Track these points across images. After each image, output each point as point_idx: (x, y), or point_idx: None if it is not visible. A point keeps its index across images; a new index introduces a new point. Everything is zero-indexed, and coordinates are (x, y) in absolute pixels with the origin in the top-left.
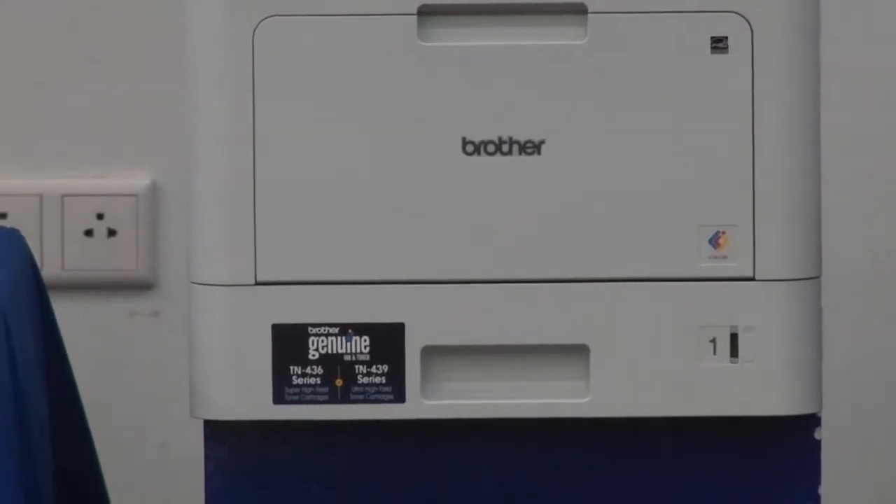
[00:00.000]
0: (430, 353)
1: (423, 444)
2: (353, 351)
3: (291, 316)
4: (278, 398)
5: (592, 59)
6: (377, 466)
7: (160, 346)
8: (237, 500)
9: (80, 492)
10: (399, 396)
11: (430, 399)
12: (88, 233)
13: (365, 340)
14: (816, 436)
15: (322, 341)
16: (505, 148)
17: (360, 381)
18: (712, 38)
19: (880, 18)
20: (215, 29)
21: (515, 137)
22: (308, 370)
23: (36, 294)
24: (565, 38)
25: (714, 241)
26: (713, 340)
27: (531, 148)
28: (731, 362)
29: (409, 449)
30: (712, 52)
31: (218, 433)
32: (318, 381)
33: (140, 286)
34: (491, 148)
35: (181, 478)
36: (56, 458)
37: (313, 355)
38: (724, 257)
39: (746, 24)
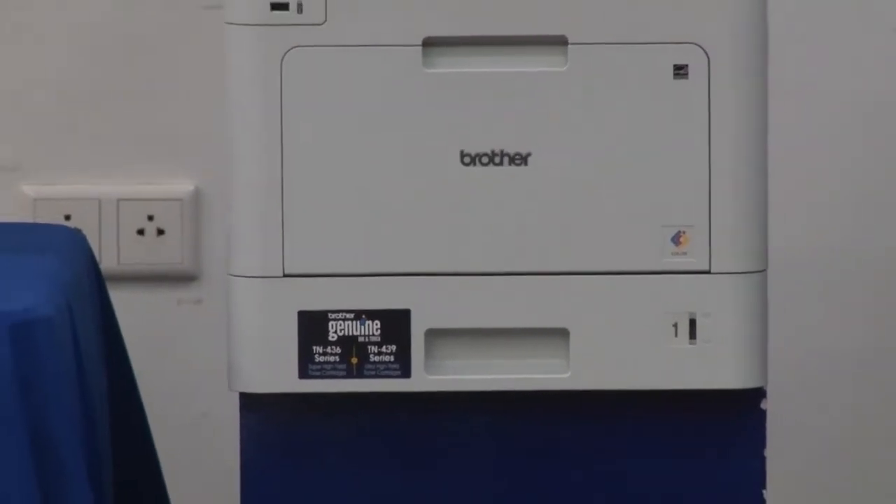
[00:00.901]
0: (432, 335)
1: (426, 414)
2: (367, 333)
3: (314, 303)
4: (303, 374)
5: (572, 84)
6: (386, 432)
7: (202, 330)
8: (267, 460)
9: (135, 468)
10: (406, 372)
11: (432, 375)
12: (140, 232)
13: (376, 324)
14: (762, 406)
15: (340, 325)
16: (497, 160)
17: (372, 360)
18: (675, 65)
19: (820, 44)
20: (250, 57)
21: (506, 150)
22: (328, 350)
23: (96, 285)
24: (548, 66)
25: (676, 239)
26: (675, 325)
27: (519, 160)
28: (690, 344)
29: (414, 418)
30: (675, 78)
31: (251, 404)
32: (337, 360)
33: (185, 278)
34: (485, 159)
35: (220, 442)
36: (113, 433)
37: (332, 337)
38: (685, 253)
39: (704, 53)
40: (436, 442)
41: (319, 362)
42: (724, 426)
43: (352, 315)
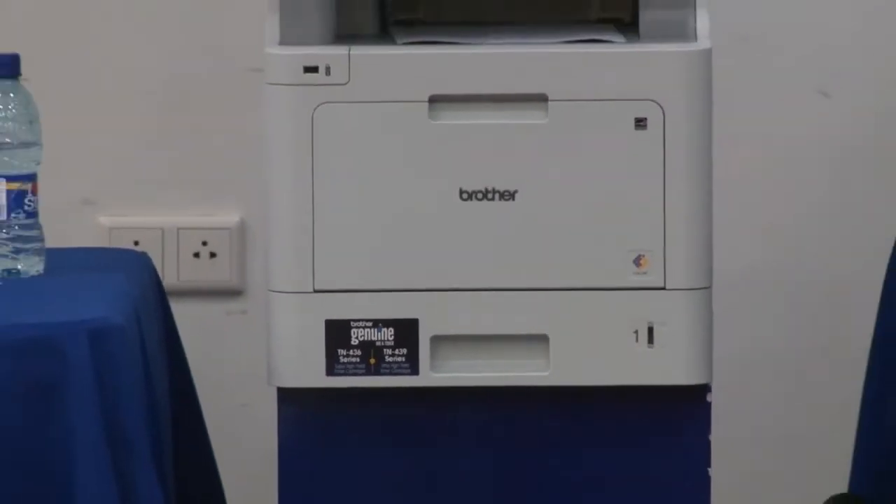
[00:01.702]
0: (437, 340)
1: (431, 405)
2: (382, 339)
3: (339, 314)
4: (330, 371)
5: (551, 133)
6: (398, 420)
7: (246, 336)
8: (300, 443)
9: (192, 451)
10: (415, 371)
11: (437, 373)
12: (196, 255)
13: (391, 331)
14: (707, 399)
15: (360, 332)
16: (489, 196)
17: (387, 360)
18: (635, 118)
19: (759, 97)
20: (286, 111)
21: (497, 188)
22: (350, 352)
23: (159, 299)
24: (532, 119)
25: (637, 261)
26: (636, 332)
27: (508, 196)
28: (649, 347)
29: (421, 408)
30: (635, 129)
31: (287, 396)
32: (358, 360)
33: (232, 293)
34: (479, 195)
35: (259, 428)
36: (173, 421)
37: (354, 342)
38: (644, 273)
39: (660, 108)
40: (439, 428)
41: (343, 362)
42: (677, 415)
43: (370, 323)
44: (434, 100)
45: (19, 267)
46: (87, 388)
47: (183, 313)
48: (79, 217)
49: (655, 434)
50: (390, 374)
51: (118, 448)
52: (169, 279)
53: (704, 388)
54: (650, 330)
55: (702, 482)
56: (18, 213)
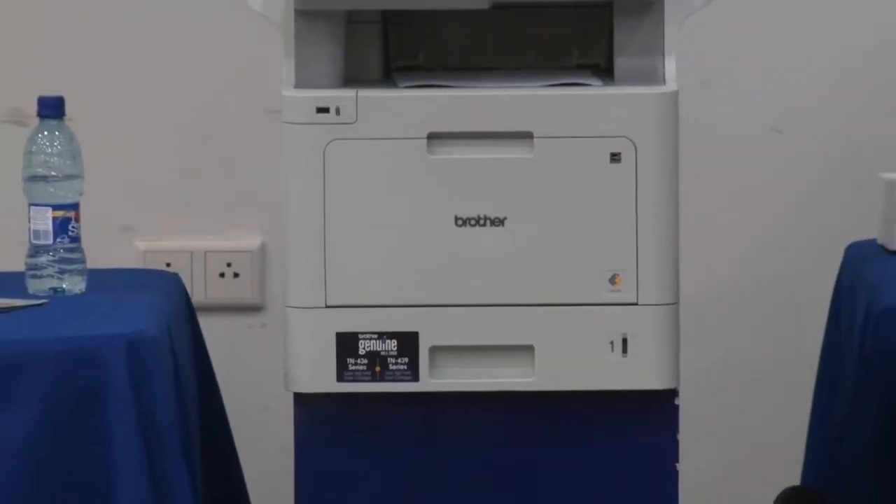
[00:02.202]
0: (435, 350)
1: (430, 408)
2: (386, 349)
3: (348, 326)
4: (340, 378)
5: (536, 166)
6: (401, 421)
7: (266, 346)
8: (314, 442)
9: (217, 449)
10: (415, 378)
11: (435, 379)
12: (221, 275)
13: (393, 342)
14: (675, 402)
15: (367, 343)
16: (481, 222)
17: (390, 368)
18: (611, 153)
19: (719, 136)
20: (301, 147)
21: (488, 215)
22: (358, 361)
23: (188, 314)
24: (519, 154)
25: (612, 280)
26: (612, 342)
27: (498, 222)
28: (623, 356)
29: (421, 410)
30: (611, 162)
31: (302, 400)
32: (364, 368)
33: (253, 308)
34: (472, 222)
35: (278, 428)
36: (200, 422)
37: (361, 352)
38: (619, 290)
39: (632, 144)
40: (436, 428)
41: (352, 370)
42: (648, 417)
43: (375, 335)
44: (432, 137)
45: (64, 286)
46: (125, 393)
47: (209, 327)
48: (117, 242)
49: (629, 433)
50: (393, 380)
51: (152, 447)
52: (197, 297)
53: (673, 393)
54: (624, 341)
55: (671, 476)
56: (63, 238)
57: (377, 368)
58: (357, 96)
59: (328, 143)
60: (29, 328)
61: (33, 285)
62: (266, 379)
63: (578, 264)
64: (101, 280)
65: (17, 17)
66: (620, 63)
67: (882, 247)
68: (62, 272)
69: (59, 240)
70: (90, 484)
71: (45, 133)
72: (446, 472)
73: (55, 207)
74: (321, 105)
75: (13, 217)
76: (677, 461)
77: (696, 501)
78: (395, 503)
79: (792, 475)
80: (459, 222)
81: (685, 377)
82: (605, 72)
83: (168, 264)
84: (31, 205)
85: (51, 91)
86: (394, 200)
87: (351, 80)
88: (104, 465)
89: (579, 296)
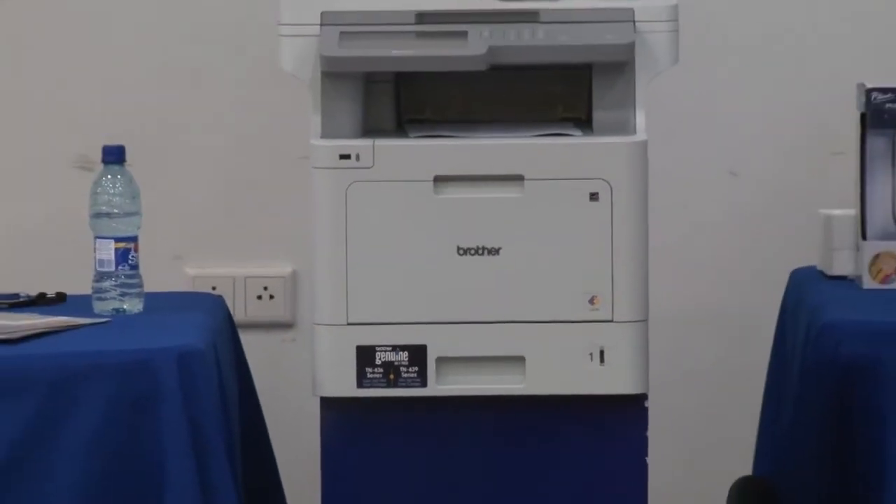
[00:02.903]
0: (441, 360)
1: (436, 410)
2: (399, 360)
3: (367, 340)
4: (359, 384)
5: (527, 204)
6: (412, 422)
7: (296, 358)
8: (338, 439)
9: (256, 449)
10: (424, 384)
11: (440, 386)
12: (259, 297)
13: (405, 354)
14: (645, 405)
15: (383, 354)
16: (480, 252)
17: (403, 376)
18: (590, 193)
19: (678, 176)
20: (327, 188)
21: (485, 246)
22: (375, 370)
23: (231, 331)
24: (512, 194)
25: (591, 300)
26: (591, 354)
27: (494, 252)
28: (601, 365)
29: (428, 412)
30: (590, 201)
31: (328, 404)
32: (380, 376)
33: (286, 326)
34: (472, 252)
35: (307, 428)
36: (242, 426)
37: (378, 362)
38: (597, 309)
39: (608, 185)
40: (442, 427)
41: (370, 378)
42: (622, 417)
43: (390, 348)
44: (438, 179)
45: (124, 307)
46: (175, 399)
47: (248, 341)
48: (170, 269)
49: (606, 431)
50: (405, 386)
51: (199, 446)
52: (238, 315)
53: (643, 397)
54: (601, 352)
55: (641, 468)
56: (124, 265)
57: (391, 376)
58: (374, 145)
59: (349, 185)
60: (94, 343)
61: (98, 306)
62: (296, 386)
63: (562, 287)
64: (156, 302)
65: (84, 76)
66: (598, 116)
67: (821, 272)
68: (123, 295)
69: (120, 267)
70: (145, 479)
71: (109, 177)
72: (450, 465)
73: (117, 240)
74: (343, 152)
75: (82, 248)
76: (647, 455)
77: (663, 489)
78: (406, 491)
79: (744, 467)
80: (461, 252)
81: (654, 383)
82: (585, 123)
83: (213, 288)
84: (96, 237)
85: (114, 140)
86: (405, 233)
87: (368, 130)
88: (157, 462)
89: (563, 314)
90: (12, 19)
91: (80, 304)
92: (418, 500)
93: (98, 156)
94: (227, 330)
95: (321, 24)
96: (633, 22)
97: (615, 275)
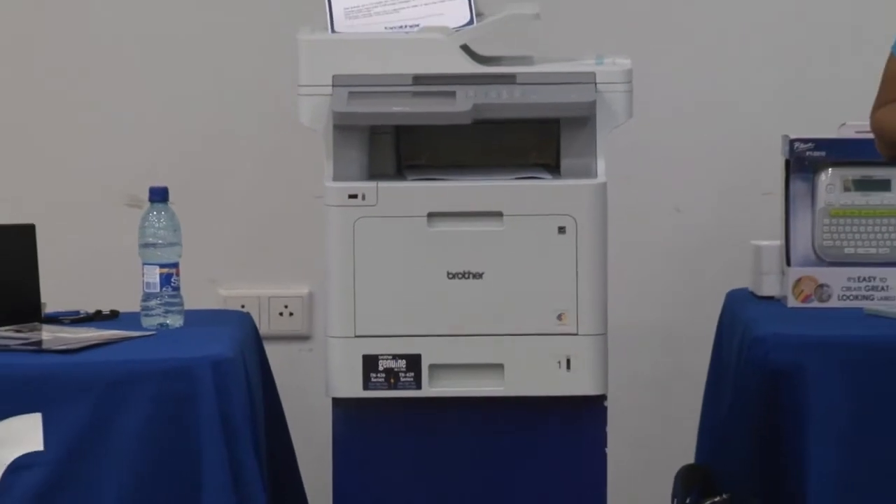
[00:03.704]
0: (433, 367)
1: (429, 409)
2: (398, 366)
3: (371, 350)
4: (365, 387)
5: (506, 237)
6: (409, 418)
7: (312, 364)
8: (348, 433)
9: (278, 445)
10: (419, 387)
11: (433, 388)
12: (280, 314)
13: (403, 362)
14: (605, 404)
15: (384, 362)
16: (467, 276)
17: (401, 380)
18: (559, 227)
19: (633, 211)
20: (338, 223)
21: (471, 271)
22: (378, 375)
23: (256, 343)
24: (494, 228)
25: (559, 317)
26: (559, 361)
27: (478, 276)
28: (568, 371)
29: (422, 410)
30: (559, 234)
31: (338, 403)
32: (383, 380)
33: (303, 338)
34: (460, 276)
35: (321, 423)
36: (266, 424)
37: (381, 368)
38: (565, 324)
39: (574, 220)
40: (434, 423)
41: (374, 381)
42: (585, 414)
43: (391, 356)
44: (431, 215)
45: (168, 322)
46: (210, 399)
47: (271, 351)
48: (206, 290)
49: (572, 426)
50: (403, 389)
51: (230, 439)
52: (263, 329)
53: (603, 397)
54: (568, 360)
55: (601, 457)
56: (167, 287)
57: (392, 380)
58: (377, 186)
59: (357, 220)
60: (142, 352)
61: (145, 321)
62: (312, 388)
63: (535, 305)
64: (194, 318)
65: (135, 130)
66: (565, 162)
67: (752, 293)
68: (166, 312)
69: (164, 289)
70: (185, 465)
71: (154, 213)
72: (441, 454)
73: (161, 266)
74: (352, 193)
75: (132, 272)
76: (606, 446)
77: (619, 474)
78: (404, 476)
79: (687, 456)
80: (450, 276)
81: (612, 386)
82: (555, 168)
83: (242, 306)
84: (144, 264)
85: (159, 183)
86: (403, 260)
87: (373, 174)
88: (195, 451)
89: (536, 328)
90: (76, 83)
91: (130, 320)
92: (415, 483)
93: (145, 195)
94: (253, 341)
95: (333, 86)
96: (595, 84)
97: (579, 295)
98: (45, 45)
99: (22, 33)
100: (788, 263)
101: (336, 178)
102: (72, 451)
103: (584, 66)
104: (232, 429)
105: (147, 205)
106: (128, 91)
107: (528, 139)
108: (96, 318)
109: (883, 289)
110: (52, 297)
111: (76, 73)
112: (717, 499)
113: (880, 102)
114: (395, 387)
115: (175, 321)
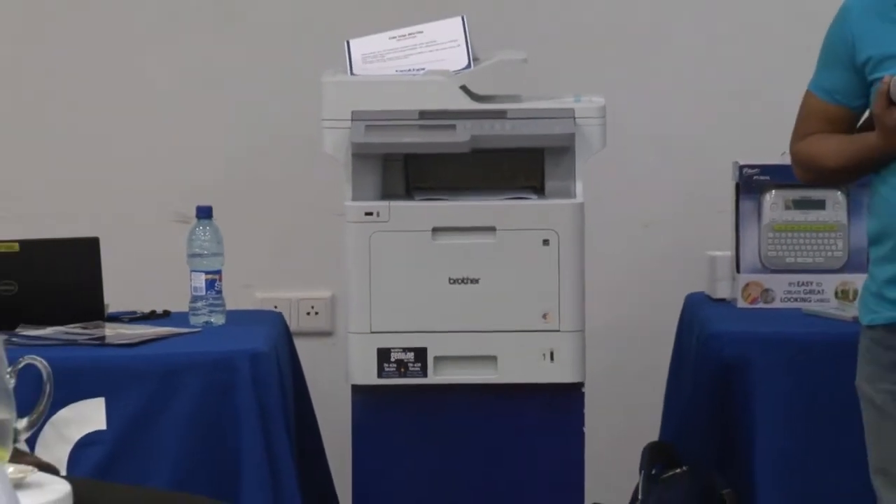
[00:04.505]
0: (437, 358)
1: (434, 394)
2: (407, 358)
3: (385, 344)
4: (379, 375)
5: (498, 248)
6: (416, 402)
7: (335, 357)
8: (365, 416)
9: (305, 427)
10: (425, 375)
11: (437, 376)
12: (308, 313)
13: (412, 353)
14: (582, 390)
15: (396, 354)
16: (465, 281)
17: (410, 369)
18: (543, 240)
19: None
20: (356, 237)
21: (469, 277)
22: (391, 365)
23: (287, 339)
24: (488, 240)
25: (544, 316)
26: (544, 354)
27: (475, 281)
28: (551, 362)
29: (428, 396)
30: (543, 246)
31: (357, 390)
32: (394, 369)
33: (327, 334)
34: (459, 281)
35: (340, 409)
36: (295, 409)
37: (392, 359)
38: (549, 322)
39: (557, 234)
40: (439, 407)
41: (387, 371)
42: (566, 399)
43: (401, 349)
44: (435, 229)
45: (212, 320)
46: (248, 388)
47: (300, 345)
48: (243, 293)
49: (554, 409)
50: (412, 377)
51: (265, 423)
52: (293, 327)
53: (581, 384)
54: (552, 353)
55: (579, 436)
56: (211, 291)
57: (402, 370)
58: (390, 205)
59: (372, 234)
60: (189, 346)
61: (193, 320)
62: (335, 377)
63: (523, 306)
64: (234, 317)
65: (184, 157)
66: (549, 185)
67: (708, 296)
68: (211, 312)
69: (209, 292)
70: (226, 447)
71: (200, 228)
72: (444, 433)
73: (206, 272)
74: (368, 211)
75: (181, 278)
76: (584, 426)
77: (595, 451)
78: (413, 452)
79: (653, 433)
80: (451, 281)
81: (589, 374)
82: (540, 190)
83: (275, 307)
84: (191, 271)
85: (204, 202)
86: (411, 269)
87: (386, 195)
88: (235, 435)
89: (524, 325)
90: (138, 121)
91: (180, 319)
92: (422, 456)
93: (193, 213)
94: (284, 337)
95: (352, 120)
96: (574, 118)
97: (561, 297)
98: (114, 88)
99: (94, 71)
100: (738, 271)
101: (354, 198)
102: (129, 430)
103: (565, 103)
104: (267, 412)
105: (194, 220)
106: (180, 124)
107: (518, 165)
108: (151, 317)
109: (819, 292)
110: (114, 299)
111: (139, 113)
112: (678, 470)
113: (798, 136)
114: (405, 375)
115: (218, 320)
